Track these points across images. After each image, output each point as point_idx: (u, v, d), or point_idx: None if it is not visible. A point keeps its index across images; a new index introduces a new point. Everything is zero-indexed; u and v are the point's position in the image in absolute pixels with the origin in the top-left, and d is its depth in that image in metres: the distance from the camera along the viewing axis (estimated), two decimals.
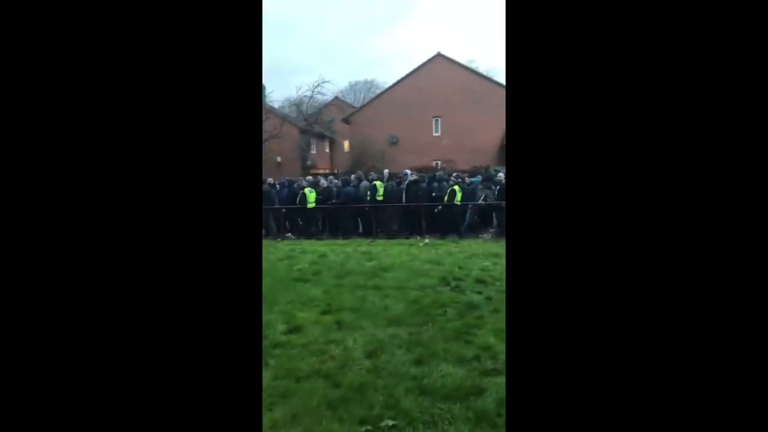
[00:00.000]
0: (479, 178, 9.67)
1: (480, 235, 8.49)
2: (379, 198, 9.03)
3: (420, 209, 8.78)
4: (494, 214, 8.76)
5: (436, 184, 9.15)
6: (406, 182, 9.09)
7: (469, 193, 8.71)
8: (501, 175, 8.70)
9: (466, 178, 9.34)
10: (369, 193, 9.08)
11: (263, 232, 9.38)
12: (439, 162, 18.23)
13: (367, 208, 9.09)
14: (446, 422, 2.09)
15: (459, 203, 8.56)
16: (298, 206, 9.22)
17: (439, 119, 19.61)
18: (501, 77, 20.87)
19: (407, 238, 8.43)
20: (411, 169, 10.35)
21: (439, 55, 19.61)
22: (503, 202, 7.93)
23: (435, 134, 19.78)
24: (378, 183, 9.23)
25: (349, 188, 9.32)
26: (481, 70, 23.31)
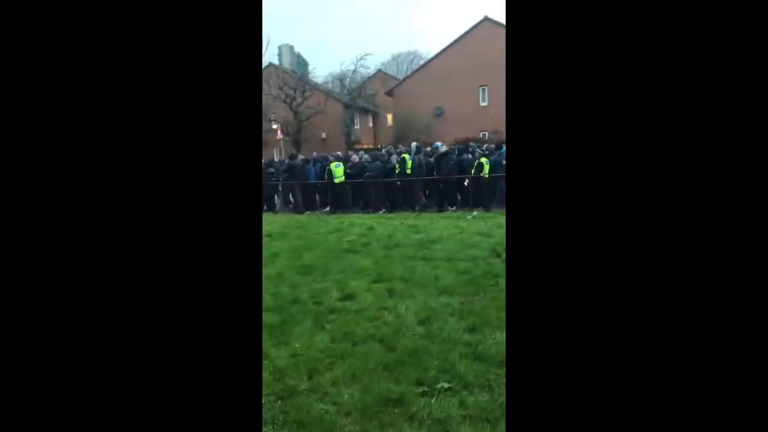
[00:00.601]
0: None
1: None
2: (409, 172, 8.94)
3: (454, 182, 8.58)
4: None
5: (469, 156, 8.89)
6: (436, 155, 8.91)
7: (497, 165, 8.40)
8: None
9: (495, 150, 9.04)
10: (398, 166, 9.00)
11: (291, 206, 9.70)
12: (487, 133, 17.68)
13: (398, 182, 9.02)
14: (502, 387, 2.10)
15: (486, 176, 8.32)
16: (327, 181, 9.33)
17: (486, 88, 18.90)
18: None
19: (440, 211, 8.36)
20: (455, 141, 10.13)
21: (486, 20, 18.72)
22: None
23: (482, 104, 19.13)
24: (406, 156, 9.12)
25: (377, 163, 9.28)
26: None
